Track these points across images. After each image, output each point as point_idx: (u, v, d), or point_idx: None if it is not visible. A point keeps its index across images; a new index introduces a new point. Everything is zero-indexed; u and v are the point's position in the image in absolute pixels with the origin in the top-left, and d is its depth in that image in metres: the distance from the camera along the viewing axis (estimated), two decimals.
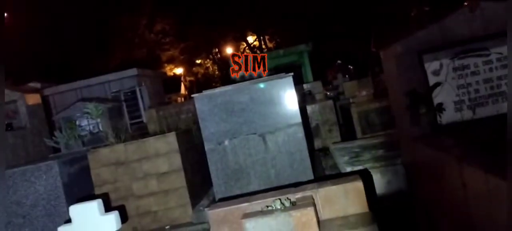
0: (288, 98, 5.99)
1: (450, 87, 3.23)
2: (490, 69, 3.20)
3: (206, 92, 6.12)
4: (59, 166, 5.25)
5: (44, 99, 8.64)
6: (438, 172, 2.61)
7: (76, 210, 3.62)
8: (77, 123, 7.35)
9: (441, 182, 2.60)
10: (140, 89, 10.47)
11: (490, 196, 1.93)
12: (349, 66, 23.43)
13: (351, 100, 11.39)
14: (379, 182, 5.56)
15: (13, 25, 17.45)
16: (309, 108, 9.94)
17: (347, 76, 19.09)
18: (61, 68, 17.74)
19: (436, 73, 3.27)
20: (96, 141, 6.63)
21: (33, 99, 7.94)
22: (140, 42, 24.15)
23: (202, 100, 6.34)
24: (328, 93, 12.04)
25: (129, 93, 9.99)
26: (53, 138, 6.39)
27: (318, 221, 3.36)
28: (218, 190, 5.75)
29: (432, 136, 3.05)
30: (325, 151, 8.72)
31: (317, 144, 9.51)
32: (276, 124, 5.89)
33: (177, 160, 5.89)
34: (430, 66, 3.26)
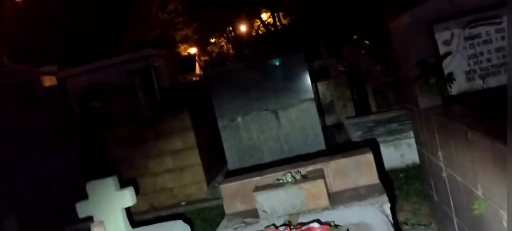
0: (300, 75, 5.99)
1: (461, 57, 3.18)
2: (502, 38, 3.13)
3: (219, 69, 6.16)
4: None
5: (60, 81, 8.78)
6: (447, 140, 2.60)
7: (93, 186, 3.74)
8: (92, 103, 7.49)
9: (450, 150, 2.60)
10: (154, 69, 10.53)
11: (494, 161, 1.93)
12: (365, 41, 23.10)
13: (365, 75, 11.29)
14: (393, 155, 5.57)
15: (26, 8, 17.62)
16: (323, 85, 9.90)
17: (363, 51, 18.86)
18: (76, 51, 17.93)
19: (447, 43, 3.22)
20: (111, 121, 6.75)
21: (50, 81, 8.10)
22: (153, 23, 24.19)
23: (215, 78, 6.38)
24: (343, 68, 11.93)
25: (143, 74, 10.06)
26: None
27: (329, 193, 3.39)
28: (232, 166, 5.83)
29: (442, 106, 3.03)
30: (339, 126, 8.71)
31: (332, 119, 9.49)
32: (288, 100, 5.91)
33: (191, 138, 5.98)
34: (441, 36, 3.21)
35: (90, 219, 3.71)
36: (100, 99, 7.84)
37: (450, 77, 3.09)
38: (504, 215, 1.95)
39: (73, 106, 7.98)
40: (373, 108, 9.44)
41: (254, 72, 6.07)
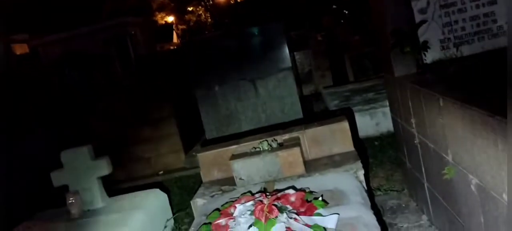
0: (278, 44, 5.95)
1: (436, 25, 3.20)
2: (477, 6, 3.16)
3: (196, 38, 6.07)
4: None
5: (33, 49, 8.51)
6: (420, 107, 2.65)
7: (67, 156, 3.68)
8: (66, 72, 7.32)
9: (422, 117, 2.64)
10: (130, 38, 10.33)
11: (464, 126, 1.97)
12: (344, 11, 23.03)
13: (344, 45, 11.32)
14: (368, 123, 5.65)
15: None
16: (302, 54, 9.89)
17: (342, 21, 18.83)
18: (50, 17, 17.36)
19: (422, 11, 3.23)
20: (87, 91, 6.62)
21: (21, 49, 7.85)
22: None
23: (192, 47, 6.30)
24: (322, 38, 11.92)
25: (119, 42, 9.86)
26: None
27: (304, 161, 3.43)
28: (210, 135, 5.82)
29: (416, 74, 3.06)
30: (317, 95, 8.77)
31: (310, 89, 9.54)
32: (266, 69, 5.89)
33: (168, 107, 5.92)
34: (417, 4, 3.21)
35: (65, 188, 3.67)
36: (75, 68, 7.66)
37: (425, 46, 3.12)
38: (472, 179, 2.00)
39: (47, 76, 7.78)
40: (351, 78, 9.52)
41: (232, 42, 6.01)
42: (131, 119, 5.86)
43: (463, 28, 3.21)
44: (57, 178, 3.68)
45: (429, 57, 3.15)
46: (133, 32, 10.60)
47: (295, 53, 8.69)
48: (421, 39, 3.15)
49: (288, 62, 6.00)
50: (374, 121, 5.58)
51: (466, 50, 3.17)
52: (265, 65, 5.87)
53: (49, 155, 4.10)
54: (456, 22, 3.20)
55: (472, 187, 2.02)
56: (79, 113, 6.05)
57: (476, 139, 1.85)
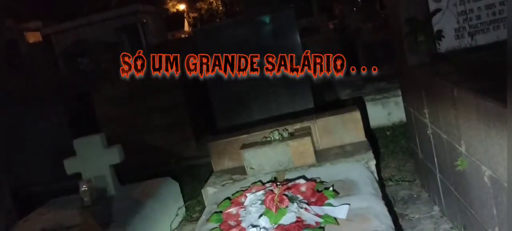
0: (290, 32, 5.91)
1: (450, 14, 3.14)
2: None
3: (207, 26, 6.05)
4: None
5: (46, 38, 8.58)
6: (434, 97, 2.61)
7: (80, 144, 3.72)
8: (79, 60, 7.37)
9: (436, 107, 2.61)
10: (142, 26, 10.35)
11: (478, 117, 1.94)
12: None
13: (356, 33, 11.21)
14: (380, 113, 5.61)
15: None
16: (313, 42, 9.82)
17: (354, 9, 18.65)
18: (63, 6, 17.47)
19: (437, 0, 3.18)
20: (99, 78, 6.66)
21: (34, 37, 7.92)
22: None
23: (204, 35, 6.28)
24: (334, 26, 11.82)
25: (131, 31, 9.89)
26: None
27: (315, 150, 3.42)
28: (221, 124, 5.82)
29: (430, 63, 3.02)
30: (329, 84, 8.71)
31: (321, 78, 9.47)
32: (277, 58, 5.86)
33: (179, 95, 5.94)
34: None
35: (78, 176, 3.72)
36: (87, 56, 7.71)
37: (439, 35, 3.07)
38: (486, 171, 1.98)
39: (59, 64, 7.85)
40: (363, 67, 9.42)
41: (243, 29, 5.99)
42: (143, 107, 5.89)
43: (478, 17, 3.14)
44: (70, 166, 3.72)
45: (443, 46, 3.10)
46: (144, 21, 10.62)
47: (306, 41, 8.62)
48: (435, 28, 3.10)
49: (299, 50, 5.97)
50: (386, 111, 5.53)
51: (481, 39, 3.11)
52: (276, 54, 5.84)
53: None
54: (471, 10, 3.14)
55: (485, 179, 1.99)
56: (90, 101, 6.09)
57: (490, 130, 1.82)
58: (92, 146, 3.68)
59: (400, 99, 4.16)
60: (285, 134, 3.53)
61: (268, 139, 3.55)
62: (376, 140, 4.81)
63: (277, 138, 3.50)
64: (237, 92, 5.76)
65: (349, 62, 9.70)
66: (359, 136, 3.57)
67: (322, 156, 3.42)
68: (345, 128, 3.58)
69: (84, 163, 3.67)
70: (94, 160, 3.66)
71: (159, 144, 5.93)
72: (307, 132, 3.49)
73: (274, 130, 3.58)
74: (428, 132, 2.90)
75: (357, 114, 3.60)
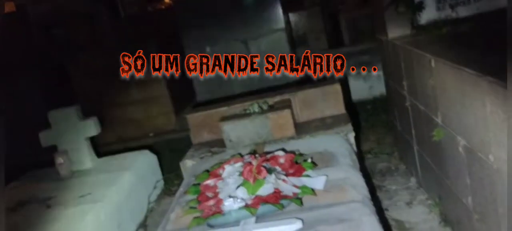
0: (272, 4, 5.83)
1: None
2: None
3: None
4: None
5: (19, 7, 8.28)
6: (412, 69, 2.60)
7: (55, 116, 3.63)
8: (54, 31, 7.16)
9: (414, 79, 2.61)
10: None
11: (455, 87, 1.94)
12: None
13: (339, 6, 11.12)
14: (362, 87, 5.61)
15: None
16: (296, 16, 9.71)
17: None
18: None
19: None
20: (75, 49, 6.48)
21: (7, 8, 7.65)
22: None
23: (184, 7, 6.14)
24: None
25: (107, 0, 9.60)
26: None
27: (295, 123, 3.40)
28: (201, 97, 5.77)
29: (410, 35, 3.00)
30: None
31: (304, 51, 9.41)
32: (259, 30, 5.80)
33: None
34: None
35: (54, 148, 3.64)
36: (63, 26, 7.48)
37: (420, 6, 3.04)
38: (460, 141, 1.99)
39: (34, 34, 7.61)
40: (346, 41, 9.39)
41: (224, 1, 5.88)
42: (121, 80, 5.75)
43: None
44: (45, 138, 3.64)
45: (424, 18, 3.08)
46: None
47: (289, 14, 8.53)
48: (416, 0, 3.08)
49: (281, 24, 5.91)
50: (368, 84, 5.53)
51: (462, 11, 3.09)
52: (258, 26, 5.78)
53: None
54: None
55: (460, 149, 2.00)
56: (66, 73, 5.93)
57: (465, 100, 1.82)
58: (67, 118, 3.59)
59: (381, 72, 4.16)
60: (265, 106, 3.51)
61: (247, 111, 3.52)
62: (357, 113, 4.82)
63: (257, 110, 3.47)
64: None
65: (332, 36, 9.66)
66: (339, 108, 3.57)
67: (302, 128, 3.42)
68: (326, 101, 3.57)
69: (60, 135, 3.59)
70: (69, 132, 3.58)
71: (137, 117, 5.84)
72: (287, 105, 3.46)
73: (253, 102, 3.54)
74: (406, 104, 2.91)
75: (337, 87, 3.58)
